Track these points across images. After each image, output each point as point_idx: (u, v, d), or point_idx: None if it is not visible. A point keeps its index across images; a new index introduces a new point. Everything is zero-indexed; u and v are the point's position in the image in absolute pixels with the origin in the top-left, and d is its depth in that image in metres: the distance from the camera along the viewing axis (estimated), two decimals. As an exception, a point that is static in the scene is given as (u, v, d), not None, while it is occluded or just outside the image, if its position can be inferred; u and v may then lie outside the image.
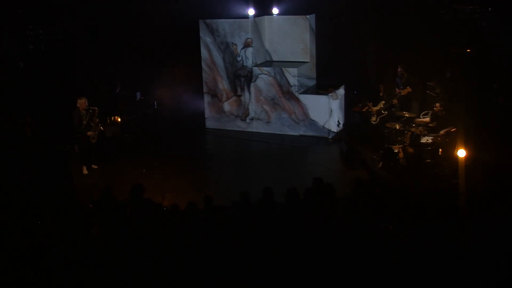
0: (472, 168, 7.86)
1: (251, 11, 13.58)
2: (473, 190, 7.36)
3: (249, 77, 13.70)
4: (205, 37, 13.89)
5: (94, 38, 13.96)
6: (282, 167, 11.41)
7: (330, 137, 12.81)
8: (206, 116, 14.42)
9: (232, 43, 13.66)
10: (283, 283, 5.93)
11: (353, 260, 5.98)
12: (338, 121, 12.92)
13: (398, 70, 12.11)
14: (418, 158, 9.90)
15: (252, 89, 13.73)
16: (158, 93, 15.14)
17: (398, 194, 8.58)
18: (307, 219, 6.78)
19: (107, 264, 6.32)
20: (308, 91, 13.62)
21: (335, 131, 12.88)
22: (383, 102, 12.19)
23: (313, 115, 13.14)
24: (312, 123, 13.18)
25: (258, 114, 13.82)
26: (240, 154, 12.65)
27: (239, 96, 13.94)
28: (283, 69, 13.33)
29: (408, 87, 11.88)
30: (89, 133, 10.88)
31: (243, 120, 14.04)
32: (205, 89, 14.30)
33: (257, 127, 13.90)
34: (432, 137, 10.31)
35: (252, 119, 13.93)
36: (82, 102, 10.77)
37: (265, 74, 13.51)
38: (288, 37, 14.01)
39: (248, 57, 13.59)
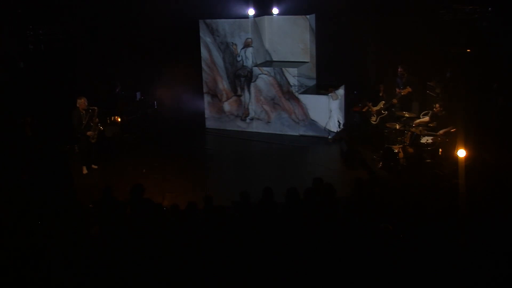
0: (472, 168, 7.86)
1: (251, 11, 13.58)
2: (473, 190, 7.36)
3: (249, 77, 13.70)
4: (205, 37, 13.89)
5: (94, 38, 13.95)
6: (282, 167, 11.41)
7: (330, 137, 12.81)
8: (206, 116, 14.42)
9: (232, 43, 13.66)
10: (283, 283, 5.93)
11: (353, 260, 5.98)
12: (338, 121, 12.92)
13: (399, 70, 12.11)
14: (418, 158, 9.90)
15: (252, 89, 13.73)
16: (158, 93, 15.14)
17: (398, 194, 8.58)
18: (307, 219, 6.78)
19: (107, 264, 6.31)
20: (308, 91, 13.62)
21: (335, 131, 12.88)
22: (383, 102, 12.19)
23: (313, 115, 13.14)
24: (312, 123, 13.18)
25: (258, 114, 13.82)
26: (240, 154, 12.65)
27: (239, 96, 13.94)
28: (283, 69, 13.33)
29: (408, 87, 11.89)
30: (88, 133, 10.88)
31: (243, 120, 14.04)
32: (205, 89, 14.30)
33: (257, 127, 13.90)
34: (432, 137, 10.32)
35: (252, 119, 13.93)
36: (81, 102, 10.76)
37: (265, 74, 13.51)
38: (288, 37, 14.01)
39: (248, 57, 13.59)
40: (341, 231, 6.52)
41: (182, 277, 6.07)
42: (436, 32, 12.14)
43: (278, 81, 13.40)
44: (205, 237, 6.51)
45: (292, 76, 13.24)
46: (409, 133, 10.59)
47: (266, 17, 14.17)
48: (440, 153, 10.10)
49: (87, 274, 6.17)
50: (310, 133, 13.22)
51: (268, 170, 11.31)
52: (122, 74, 14.66)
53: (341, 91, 13.51)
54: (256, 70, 13.60)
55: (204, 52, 13.98)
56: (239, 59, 13.70)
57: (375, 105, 12.22)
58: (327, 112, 12.94)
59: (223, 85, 14.02)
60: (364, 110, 12.46)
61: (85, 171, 11.14)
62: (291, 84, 13.28)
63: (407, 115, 11.12)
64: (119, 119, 13.30)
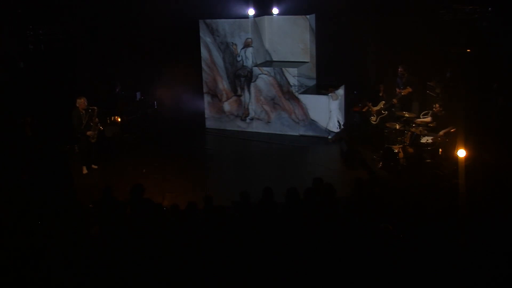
0: (472, 168, 7.86)
1: (251, 11, 13.58)
2: (473, 190, 7.37)
3: (249, 77, 13.69)
4: (205, 37, 13.89)
5: (94, 38, 13.95)
6: (282, 167, 11.41)
7: (330, 137, 12.82)
8: (206, 116, 14.42)
9: (232, 43, 13.66)
10: (283, 283, 5.93)
11: (353, 260, 5.98)
12: (338, 121, 12.92)
13: (399, 70, 12.11)
14: (418, 158, 9.90)
15: (252, 89, 13.73)
16: (158, 93, 15.14)
17: (398, 194, 8.59)
18: (307, 219, 6.78)
19: (107, 264, 6.31)
20: (308, 91, 13.62)
21: (335, 131, 12.88)
22: (383, 102, 12.19)
23: (313, 115, 13.14)
24: (312, 123, 13.18)
25: (258, 114, 13.82)
26: (240, 154, 12.65)
27: (239, 96, 13.94)
28: (283, 69, 13.33)
29: (408, 87, 11.89)
30: (88, 132, 10.89)
31: (243, 120, 14.04)
32: (205, 89, 14.30)
33: (257, 127, 13.90)
34: (432, 137, 10.32)
35: (252, 119, 13.93)
36: (81, 102, 10.77)
37: (265, 74, 13.51)
38: (288, 37, 14.01)
39: (248, 57, 13.59)
40: (341, 231, 6.52)
41: (182, 277, 6.07)
42: (436, 32, 12.13)
43: (278, 81, 13.40)
44: (205, 237, 6.51)
45: (292, 76, 13.24)
46: (409, 133, 10.59)
47: (266, 17, 14.17)
48: (440, 153, 10.10)
49: (87, 274, 6.17)
50: (310, 133, 13.22)
51: (268, 170, 11.31)
52: (122, 74, 14.67)
53: (341, 91, 13.51)
54: (256, 70, 13.60)
55: (204, 52, 13.98)
56: (239, 59, 13.69)
57: (375, 105, 12.22)
58: (327, 112, 12.94)
59: (223, 85, 14.02)
60: (364, 110, 12.47)
61: (85, 171, 11.15)
62: (291, 84, 13.28)
63: (407, 115, 11.10)
64: (119, 119, 13.30)
